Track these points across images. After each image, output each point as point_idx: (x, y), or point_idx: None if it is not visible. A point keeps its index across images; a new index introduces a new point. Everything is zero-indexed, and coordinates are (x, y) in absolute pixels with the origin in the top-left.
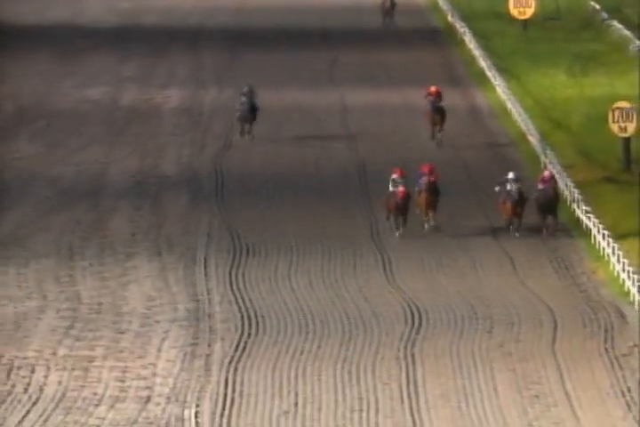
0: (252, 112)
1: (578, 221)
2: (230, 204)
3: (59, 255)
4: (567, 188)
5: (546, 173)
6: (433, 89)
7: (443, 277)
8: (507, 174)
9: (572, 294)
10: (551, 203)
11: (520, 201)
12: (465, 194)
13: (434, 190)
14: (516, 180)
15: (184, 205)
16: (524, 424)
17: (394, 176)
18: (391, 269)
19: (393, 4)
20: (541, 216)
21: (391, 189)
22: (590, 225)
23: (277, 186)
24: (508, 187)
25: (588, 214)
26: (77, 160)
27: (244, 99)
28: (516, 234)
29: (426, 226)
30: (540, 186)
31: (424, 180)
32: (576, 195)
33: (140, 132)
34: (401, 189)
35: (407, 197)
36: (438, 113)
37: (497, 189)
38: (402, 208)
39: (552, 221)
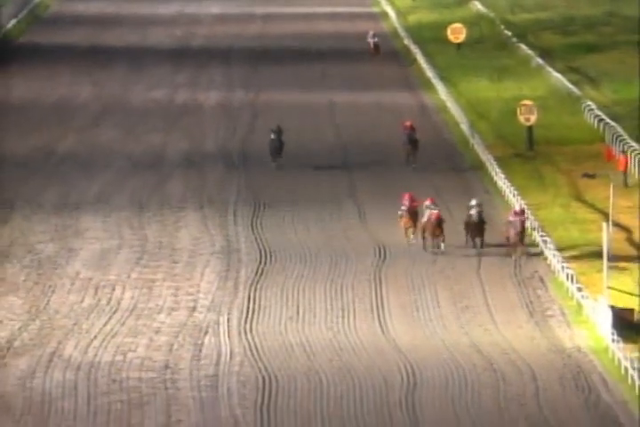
0: (279, 147)
1: (496, 183)
2: (252, 173)
3: (132, 208)
4: (488, 160)
5: (517, 208)
6: (408, 124)
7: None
8: (470, 201)
9: (493, 237)
10: (520, 235)
11: (480, 224)
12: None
13: (414, 215)
14: (478, 205)
15: (220, 174)
16: (457, 326)
17: (427, 203)
18: (365, 218)
19: (377, 46)
20: (511, 246)
21: (426, 214)
22: (503, 186)
23: (286, 160)
24: (471, 211)
25: (502, 177)
26: (144, 141)
27: (273, 136)
28: (480, 250)
29: (411, 239)
30: (511, 218)
31: (406, 205)
32: (495, 166)
33: (188, 122)
34: (434, 212)
35: (440, 218)
36: (412, 144)
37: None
38: (436, 228)
39: (520, 247)
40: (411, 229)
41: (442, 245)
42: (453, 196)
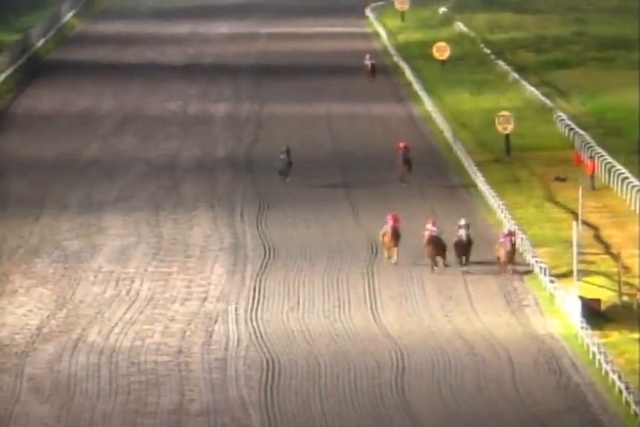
0: (288, 167)
1: (476, 186)
2: (258, 176)
3: (149, 208)
4: (469, 165)
5: (505, 231)
6: (402, 145)
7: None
8: (459, 221)
9: (474, 234)
10: (509, 254)
11: (468, 244)
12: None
13: (396, 233)
14: (466, 226)
15: (228, 177)
16: (442, 315)
17: (428, 226)
18: (359, 218)
19: (373, 67)
20: (501, 264)
21: (426, 235)
22: (483, 188)
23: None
24: (460, 232)
25: (483, 181)
26: (161, 148)
27: (282, 156)
28: (464, 268)
29: (392, 259)
30: (501, 239)
31: (389, 224)
32: (476, 171)
33: (200, 131)
34: (432, 234)
35: (438, 240)
36: (406, 164)
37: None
38: (435, 250)
39: (510, 268)
40: (393, 249)
41: (442, 262)
42: (437, 195)
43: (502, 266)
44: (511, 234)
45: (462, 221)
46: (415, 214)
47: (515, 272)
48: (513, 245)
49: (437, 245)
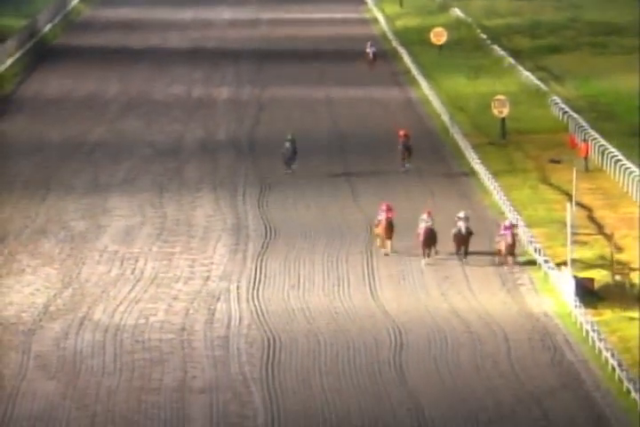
0: (293, 155)
1: (472, 168)
2: (259, 157)
3: (153, 189)
4: (466, 148)
5: (507, 222)
6: (402, 133)
7: (395, 205)
8: (458, 213)
9: (470, 215)
10: (510, 247)
11: (467, 236)
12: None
13: (390, 225)
14: (465, 218)
15: (231, 159)
16: (439, 294)
17: (423, 216)
18: (359, 198)
19: (374, 55)
20: (502, 256)
21: (420, 226)
22: (479, 170)
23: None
24: (459, 224)
25: (479, 163)
26: (165, 131)
27: (287, 145)
28: (464, 259)
29: (386, 250)
30: (502, 232)
31: (383, 216)
32: (472, 152)
33: (204, 114)
34: (427, 226)
35: (431, 232)
36: (407, 150)
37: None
38: (428, 241)
39: (511, 260)
40: (387, 242)
41: (433, 251)
42: (435, 177)
43: (503, 258)
44: (512, 226)
45: (461, 214)
46: (412, 195)
47: (516, 264)
48: (514, 237)
49: (431, 238)
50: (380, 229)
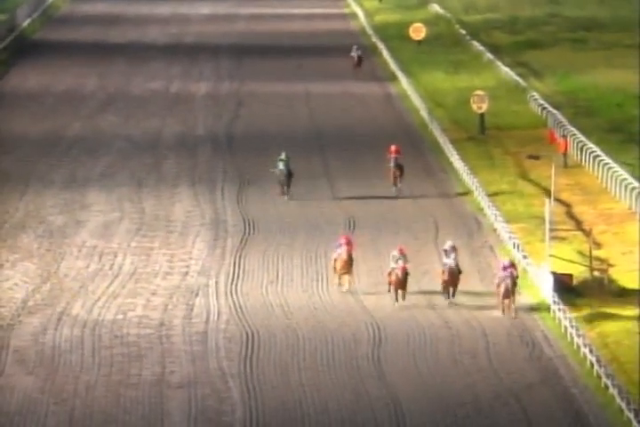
0: (288, 178)
1: (450, 163)
2: (237, 153)
3: (132, 185)
4: (444, 143)
5: (506, 262)
6: (393, 148)
7: (374, 200)
8: (445, 244)
9: (450, 211)
10: (509, 289)
11: (457, 273)
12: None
13: (350, 260)
14: (453, 249)
15: (209, 154)
16: (417, 288)
17: (394, 253)
18: (337, 194)
19: (360, 58)
20: (501, 299)
21: (392, 265)
22: (457, 165)
23: (267, 142)
24: (445, 259)
25: (458, 159)
26: (143, 126)
27: (281, 166)
28: (452, 299)
29: (343, 287)
30: (501, 273)
31: (342, 249)
32: (451, 148)
33: (182, 109)
34: (401, 265)
35: (406, 272)
36: (398, 168)
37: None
38: (401, 282)
39: (510, 302)
40: (345, 277)
41: (404, 298)
42: (413, 172)
43: (503, 302)
44: (512, 265)
45: (448, 244)
46: (393, 192)
47: (518, 309)
48: (514, 279)
49: (404, 278)
50: (339, 264)
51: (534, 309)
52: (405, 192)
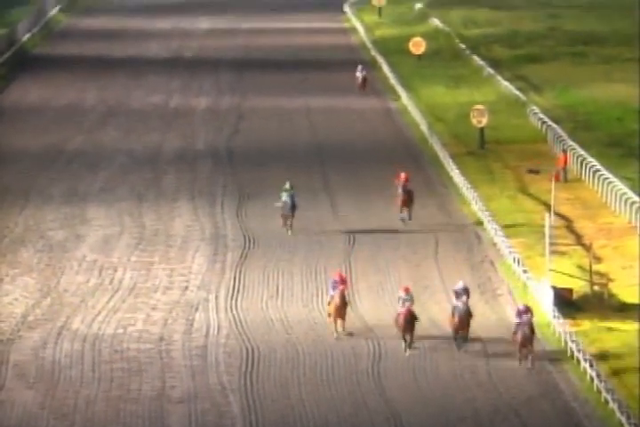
0: (292, 210)
1: (450, 178)
2: (237, 167)
3: (131, 199)
4: (444, 157)
5: (521, 307)
6: (403, 176)
7: (373, 214)
8: (456, 284)
9: (449, 225)
10: (527, 337)
11: (467, 317)
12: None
13: (344, 301)
14: (465, 291)
15: (209, 169)
16: (418, 304)
17: (400, 293)
18: (337, 209)
19: (365, 79)
20: (519, 348)
21: (399, 307)
22: (459, 181)
23: (267, 157)
24: (456, 301)
25: (458, 173)
26: (143, 140)
27: (284, 197)
28: (462, 346)
29: (336, 333)
30: (517, 320)
31: (337, 292)
32: (451, 163)
33: (182, 123)
34: (405, 309)
35: (413, 315)
36: (407, 195)
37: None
38: (406, 327)
39: (529, 351)
40: (340, 322)
41: (412, 345)
42: (413, 186)
43: (520, 351)
44: (528, 311)
45: (459, 285)
46: (393, 207)
47: (536, 359)
48: (532, 326)
49: (411, 321)
50: (332, 307)
51: (535, 323)
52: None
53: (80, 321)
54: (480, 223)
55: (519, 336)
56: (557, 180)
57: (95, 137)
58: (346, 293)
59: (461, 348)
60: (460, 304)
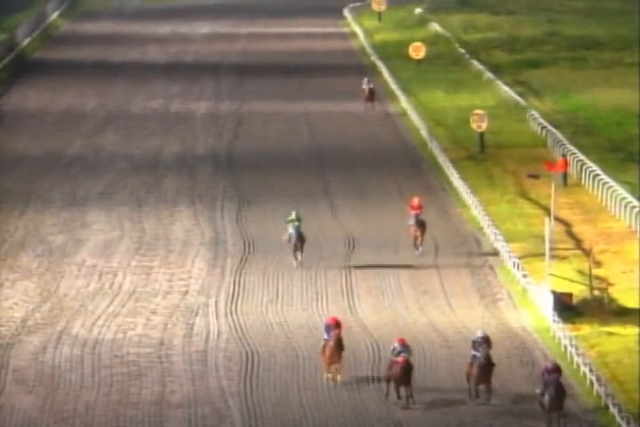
0: (300, 242)
1: (450, 182)
2: (237, 173)
3: (131, 204)
4: (444, 162)
5: (549, 365)
6: (416, 203)
7: (373, 220)
8: (476, 333)
9: (449, 230)
10: (557, 401)
11: (488, 367)
12: (379, 169)
13: (340, 346)
14: (485, 339)
15: (209, 173)
16: (417, 308)
17: (395, 345)
18: (337, 213)
19: (372, 92)
20: (547, 413)
21: (392, 358)
22: (457, 184)
23: (267, 162)
24: (474, 352)
25: (458, 178)
26: (143, 145)
27: (290, 229)
28: (489, 400)
29: (330, 377)
30: (546, 376)
31: (331, 336)
32: (451, 167)
33: (182, 128)
34: (400, 358)
35: (408, 366)
36: (420, 226)
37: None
38: (402, 378)
39: (560, 414)
40: (335, 366)
41: (411, 400)
42: (414, 191)
43: (549, 414)
44: (557, 370)
45: (479, 334)
46: (392, 211)
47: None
48: (561, 386)
49: (408, 373)
50: (328, 353)
51: (534, 328)
52: (404, 211)
53: (80, 325)
54: (480, 228)
55: (547, 397)
56: (550, 169)
57: (95, 142)
58: (342, 337)
59: (490, 401)
60: (479, 356)
